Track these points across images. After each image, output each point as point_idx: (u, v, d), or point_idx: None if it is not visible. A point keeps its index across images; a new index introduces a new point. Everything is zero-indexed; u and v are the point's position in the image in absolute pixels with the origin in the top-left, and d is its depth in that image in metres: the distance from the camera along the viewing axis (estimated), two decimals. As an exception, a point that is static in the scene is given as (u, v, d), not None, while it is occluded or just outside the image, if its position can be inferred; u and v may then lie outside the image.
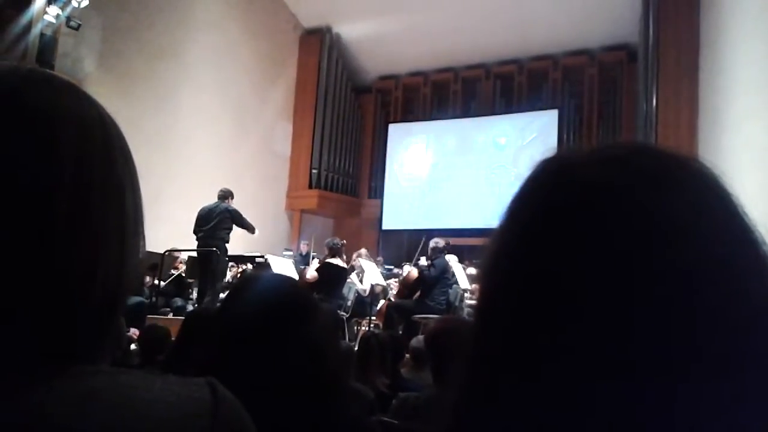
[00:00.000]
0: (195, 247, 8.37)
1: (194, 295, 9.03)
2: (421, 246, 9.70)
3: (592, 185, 0.46)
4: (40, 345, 0.49)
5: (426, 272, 7.52)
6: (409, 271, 8.09)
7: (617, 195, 0.44)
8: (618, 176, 0.45)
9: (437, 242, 7.66)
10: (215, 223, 8.07)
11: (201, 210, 8.29)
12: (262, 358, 1.11)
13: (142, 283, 8.61)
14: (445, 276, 7.59)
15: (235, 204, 8.42)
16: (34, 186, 0.49)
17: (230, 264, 9.16)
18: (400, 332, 7.07)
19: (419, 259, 8.31)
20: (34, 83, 0.53)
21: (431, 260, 7.61)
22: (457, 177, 13.53)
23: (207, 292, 8.05)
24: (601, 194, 0.45)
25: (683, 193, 0.44)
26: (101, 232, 0.52)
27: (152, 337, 3.68)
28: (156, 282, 8.44)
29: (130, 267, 0.55)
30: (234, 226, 8.30)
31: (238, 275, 9.22)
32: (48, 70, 0.59)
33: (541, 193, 0.49)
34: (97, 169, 0.53)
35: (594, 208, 0.45)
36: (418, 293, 7.63)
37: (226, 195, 8.34)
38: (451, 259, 7.98)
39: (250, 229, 8.53)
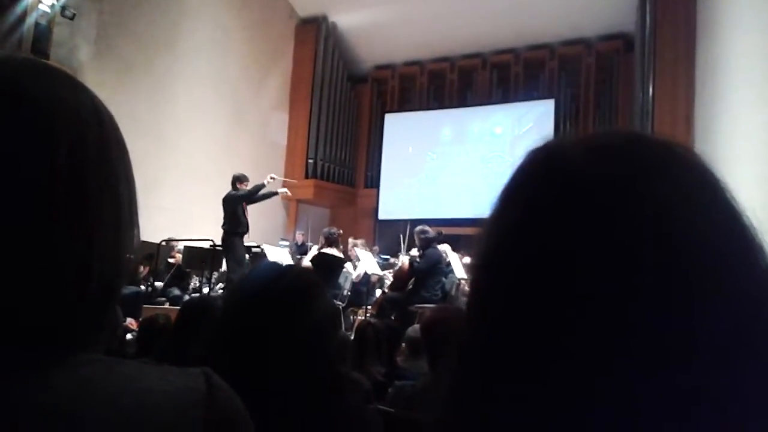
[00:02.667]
0: (195, 238, 8.46)
1: (191, 285, 9.05)
2: (407, 234, 9.70)
3: (578, 174, 0.46)
4: (36, 334, 0.49)
5: (416, 264, 7.51)
6: (402, 263, 8.08)
7: (603, 183, 0.44)
8: (604, 164, 0.45)
9: (425, 231, 7.58)
10: (225, 213, 8.18)
11: None
12: (260, 349, 1.12)
13: (138, 273, 8.61)
14: (439, 266, 7.56)
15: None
16: (30, 176, 0.49)
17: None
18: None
19: (409, 249, 8.27)
20: (29, 73, 0.53)
21: (422, 250, 7.60)
22: (454, 166, 13.51)
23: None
24: (588, 183, 0.45)
25: (670, 180, 0.44)
26: (96, 221, 0.52)
27: (152, 328, 3.67)
28: (151, 268, 8.49)
29: (126, 257, 0.56)
30: (248, 208, 8.32)
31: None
32: (43, 60, 0.58)
33: (529, 184, 0.49)
34: (92, 160, 0.53)
35: (581, 198, 0.45)
36: (410, 285, 7.62)
37: (233, 181, 8.34)
38: (446, 248, 7.97)
39: (263, 195, 8.48)
